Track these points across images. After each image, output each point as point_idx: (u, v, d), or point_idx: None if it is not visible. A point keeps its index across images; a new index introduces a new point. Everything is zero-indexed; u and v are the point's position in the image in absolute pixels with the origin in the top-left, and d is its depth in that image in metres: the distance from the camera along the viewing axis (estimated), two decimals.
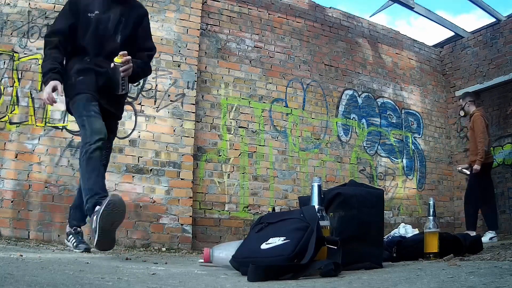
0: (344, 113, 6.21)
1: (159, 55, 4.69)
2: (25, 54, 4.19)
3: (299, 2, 6.16)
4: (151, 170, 4.48)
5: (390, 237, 2.94)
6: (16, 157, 3.96)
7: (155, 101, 4.71)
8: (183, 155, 4.70)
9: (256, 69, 5.59)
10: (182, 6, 5.01)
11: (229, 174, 5.12)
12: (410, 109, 6.95)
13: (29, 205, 3.92)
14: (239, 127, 5.31)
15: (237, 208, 5.08)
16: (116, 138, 4.52)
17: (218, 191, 5.01)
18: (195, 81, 4.95)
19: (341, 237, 1.51)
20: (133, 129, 4.54)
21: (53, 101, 2.43)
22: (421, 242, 2.49)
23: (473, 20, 21.70)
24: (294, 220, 1.50)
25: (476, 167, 5.10)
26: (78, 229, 2.91)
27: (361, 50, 6.60)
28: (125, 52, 2.45)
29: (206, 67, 5.25)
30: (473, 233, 4.83)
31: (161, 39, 4.77)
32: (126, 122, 4.45)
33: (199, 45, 5.10)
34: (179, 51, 4.89)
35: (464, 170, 5.54)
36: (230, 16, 5.55)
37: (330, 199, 1.83)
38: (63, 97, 2.53)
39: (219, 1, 5.51)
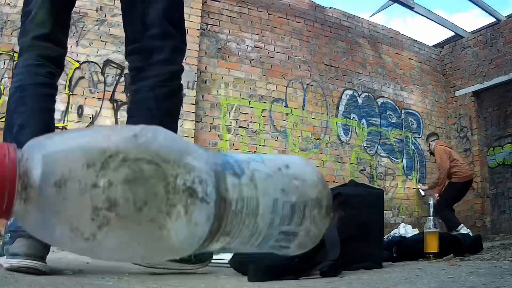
0: (344, 113, 6.21)
1: None
2: None
3: (299, 2, 6.16)
4: None
5: (390, 237, 2.95)
6: None
7: None
8: None
9: (256, 69, 5.59)
10: None
11: None
12: (410, 109, 6.95)
13: None
14: (239, 127, 5.32)
15: None
16: None
17: None
18: (195, 81, 4.95)
19: (341, 237, 1.51)
20: None
21: None
22: (421, 242, 2.50)
23: (470, 19, 21.76)
24: None
25: (435, 195, 5.49)
26: None
27: (361, 50, 6.60)
28: None
29: (206, 67, 5.25)
30: (464, 229, 4.98)
31: None
32: None
33: (199, 45, 5.10)
34: None
35: (420, 190, 6.26)
36: (230, 16, 5.55)
37: None
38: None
39: (219, 1, 5.51)
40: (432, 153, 5.89)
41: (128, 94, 1.24)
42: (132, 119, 1.20)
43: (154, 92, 1.20)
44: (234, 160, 0.48)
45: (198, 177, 0.42)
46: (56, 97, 1.82)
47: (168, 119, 1.23)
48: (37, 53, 1.24)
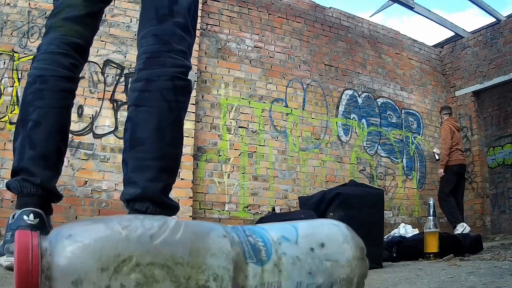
0: (344, 113, 6.21)
1: None
2: (25, 54, 4.19)
3: (299, 2, 6.16)
4: None
5: (390, 237, 2.94)
6: None
7: None
8: (183, 155, 4.69)
9: (256, 69, 5.59)
10: None
11: (229, 174, 5.12)
12: (410, 109, 6.95)
13: None
14: (239, 127, 5.31)
15: (237, 208, 5.08)
16: (116, 138, 4.54)
17: (218, 191, 5.01)
18: (195, 81, 4.95)
19: None
20: None
21: None
22: (421, 242, 2.50)
23: (468, 19, 21.75)
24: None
25: (440, 171, 5.71)
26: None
27: (361, 50, 6.60)
28: None
29: (206, 67, 5.25)
30: (464, 226, 5.04)
31: None
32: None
33: (199, 45, 5.10)
34: None
35: (435, 153, 6.25)
36: (230, 16, 5.55)
37: (330, 199, 1.83)
38: None
39: (219, 1, 5.51)
40: None
41: (134, 79, 1.12)
42: (146, 108, 1.07)
43: (174, 83, 1.11)
44: (264, 242, 0.50)
45: (213, 274, 0.46)
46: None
47: (184, 114, 1.15)
48: (64, 35, 1.13)
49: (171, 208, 1.12)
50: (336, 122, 6.11)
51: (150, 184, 1.03)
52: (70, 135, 4.56)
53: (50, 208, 1.10)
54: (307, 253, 0.51)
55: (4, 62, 4.15)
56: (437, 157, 6.21)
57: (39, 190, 1.04)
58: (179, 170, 4.57)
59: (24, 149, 1.06)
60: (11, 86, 4.14)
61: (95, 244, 0.43)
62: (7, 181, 1.08)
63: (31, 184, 1.04)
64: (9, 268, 1.01)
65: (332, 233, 0.56)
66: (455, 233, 4.73)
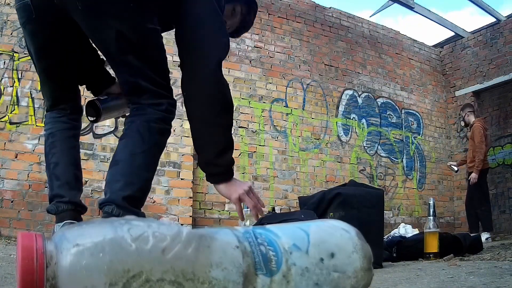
0: (344, 113, 6.21)
1: None
2: (25, 54, 4.18)
3: (299, 2, 6.16)
4: None
5: (390, 237, 2.94)
6: (16, 157, 3.96)
7: None
8: (183, 155, 4.69)
9: (256, 69, 5.59)
10: None
11: None
12: (410, 109, 6.95)
13: (29, 205, 3.92)
14: (239, 127, 5.31)
15: None
16: (116, 138, 4.54)
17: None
18: None
19: None
20: None
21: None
22: (421, 242, 2.50)
23: (465, 17, 21.71)
24: (294, 222, 1.50)
25: (474, 175, 5.30)
26: None
27: (361, 50, 6.59)
28: None
29: None
30: (490, 235, 4.96)
31: None
32: None
33: None
34: None
35: (452, 166, 5.94)
36: None
37: (330, 199, 1.83)
38: None
39: None
40: (466, 125, 5.70)
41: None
42: (124, 140, 1.35)
43: (149, 124, 1.35)
44: (275, 251, 0.51)
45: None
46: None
47: (155, 150, 1.39)
48: (57, 111, 1.53)
49: (133, 214, 1.30)
50: (336, 122, 6.11)
51: (116, 192, 1.27)
52: None
53: (80, 218, 1.42)
54: (317, 264, 0.51)
55: (4, 62, 4.15)
56: (456, 169, 5.97)
57: (69, 205, 1.36)
58: (179, 170, 4.59)
59: (52, 182, 1.43)
60: (11, 86, 4.14)
61: (104, 257, 0.42)
62: (47, 207, 1.39)
63: (63, 203, 1.36)
64: None
65: (343, 242, 0.56)
66: (483, 239, 4.45)
